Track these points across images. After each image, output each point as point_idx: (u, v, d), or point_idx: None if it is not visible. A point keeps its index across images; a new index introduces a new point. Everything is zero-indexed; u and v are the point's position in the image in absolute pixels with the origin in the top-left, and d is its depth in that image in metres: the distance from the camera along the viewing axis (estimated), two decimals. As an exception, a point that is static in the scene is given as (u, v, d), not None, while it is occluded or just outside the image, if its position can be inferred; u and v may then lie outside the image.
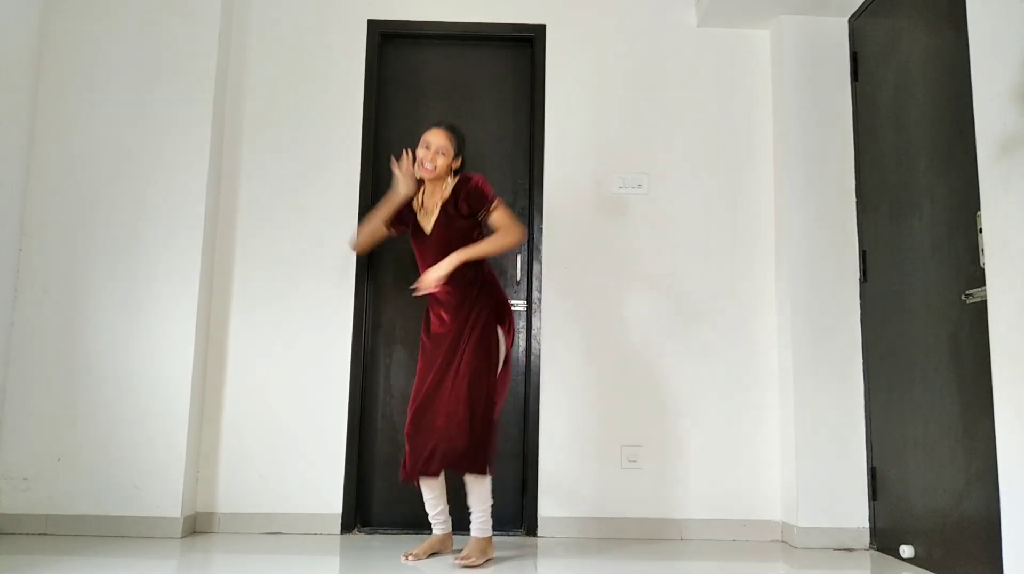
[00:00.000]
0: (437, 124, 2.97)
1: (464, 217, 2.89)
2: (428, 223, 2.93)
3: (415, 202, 3.00)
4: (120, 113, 3.42)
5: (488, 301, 2.88)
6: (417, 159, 2.91)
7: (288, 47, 3.64)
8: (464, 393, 2.75)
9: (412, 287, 2.89)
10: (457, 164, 2.96)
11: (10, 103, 3.28)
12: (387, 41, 3.73)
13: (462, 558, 2.76)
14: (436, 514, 2.96)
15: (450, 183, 2.94)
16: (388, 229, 3.04)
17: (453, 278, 2.82)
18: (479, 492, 2.81)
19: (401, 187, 2.95)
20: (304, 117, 3.59)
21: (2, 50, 3.23)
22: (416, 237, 2.97)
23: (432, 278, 2.80)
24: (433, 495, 2.92)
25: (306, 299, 3.47)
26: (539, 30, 3.68)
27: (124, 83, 3.44)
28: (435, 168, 2.88)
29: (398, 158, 2.98)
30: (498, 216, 2.89)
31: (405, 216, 3.01)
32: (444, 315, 2.88)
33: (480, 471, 2.76)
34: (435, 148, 2.88)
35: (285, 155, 3.57)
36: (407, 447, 2.83)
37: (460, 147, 2.96)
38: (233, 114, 3.58)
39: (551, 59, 3.66)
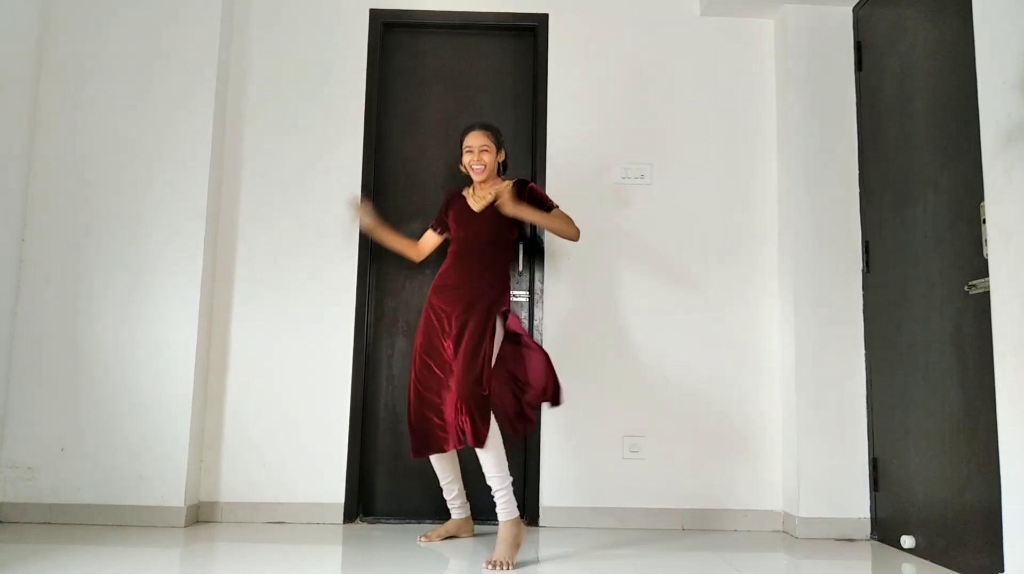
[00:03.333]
0: (470, 127, 3.08)
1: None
2: (479, 205, 3.04)
3: (466, 191, 3.12)
4: (122, 103, 3.42)
5: (496, 305, 2.95)
6: (464, 164, 3.05)
7: (290, 37, 3.63)
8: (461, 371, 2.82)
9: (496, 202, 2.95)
10: (502, 158, 3.10)
11: (12, 95, 3.28)
12: (389, 30, 3.71)
13: (492, 563, 2.59)
14: (452, 498, 3.06)
15: (506, 182, 3.06)
16: (440, 236, 3.22)
17: (491, 264, 2.97)
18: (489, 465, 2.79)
19: (361, 222, 3.19)
20: (306, 107, 3.59)
21: (3, 42, 3.22)
22: (461, 219, 3.05)
23: (511, 204, 2.88)
24: (448, 479, 3.03)
25: (308, 289, 3.47)
26: (542, 19, 3.67)
27: (125, 73, 3.44)
28: (484, 167, 3.01)
29: (356, 202, 3.23)
30: (560, 212, 3.04)
31: (451, 209, 3.11)
32: (454, 303, 2.93)
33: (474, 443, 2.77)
34: (478, 148, 3.01)
35: (287, 145, 3.56)
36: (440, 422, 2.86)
37: (500, 141, 3.08)
38: (235, 105, 3.58)
39: (554, 48, 3.65)
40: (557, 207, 3.05)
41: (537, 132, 3.60)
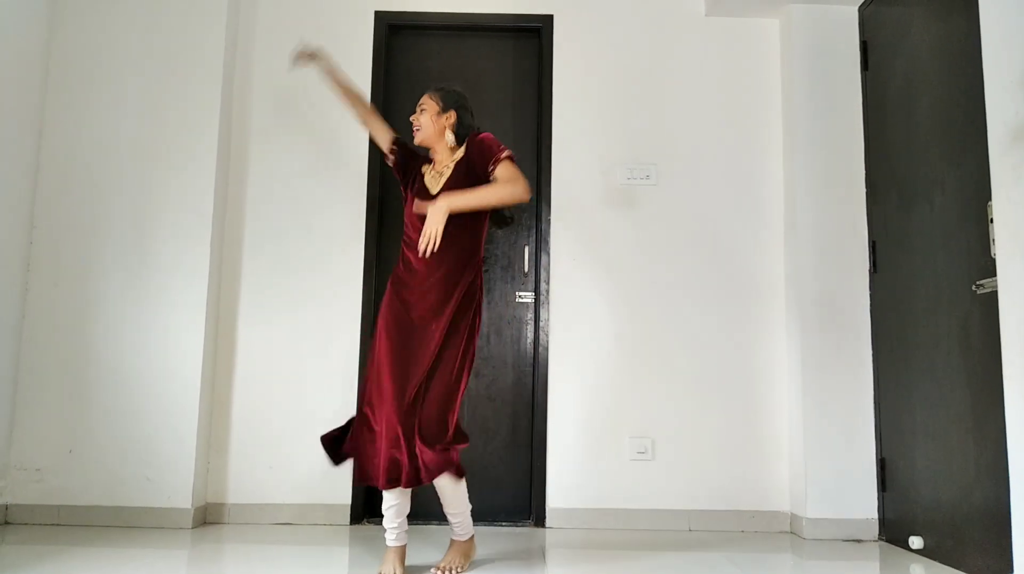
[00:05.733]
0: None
1: (476, 177, 2.57)
2: (437, 185, 2.62)
3: (426, 166, 2.74)
4: (128, 105, 3.43)
5: (473, 299, 2.57)
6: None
7: (295, 39, 3.64)
8: (450, 396, 2.48)
9: (421, 252, 2.48)
10: (451, 119, 2.66)
11: (19, 98, 3.29)
12: (394, 33, 3.72)
13: (442, 569, 2.53)
14: (402, 522, 2.53)
15: (460, 148, 2.67)
16: (388, 148, 2.82)
17: (452, 253, 2.52)
18: (461, 495, 2.57)
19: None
20: (311, 109, 3.59)
21: (11, 46, 3.24)
22: (418, 199, 2.61)
23: (430, 231, 2.44)
24: (401, 500, 2.52)
25: (315, 290, 3.48)
26: (546, 20, 3.67)
27: (132, 77, 3.45)
28: (420, 127, 2.67)
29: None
30: (504, 168, 2.53)
31: (410, 167, 2.76)
32: (426, 297, 2.53)
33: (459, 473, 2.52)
34: (418, 108, 2.70)
35: (293, 147, 3.57)
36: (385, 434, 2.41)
37: (448, 101, 2.67)
38: (241, 107, 3.59)
39: (558, 49, 3.65)
40: (504, 159, 2.54)
41: (542, 133, 3.60)
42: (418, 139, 2.72)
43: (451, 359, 2.49)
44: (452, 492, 2.54)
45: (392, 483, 2.40)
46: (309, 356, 3.44)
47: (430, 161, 2.76)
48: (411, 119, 2.74)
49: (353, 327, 3.45)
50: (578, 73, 3.64)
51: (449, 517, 2.62)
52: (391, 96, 3.68)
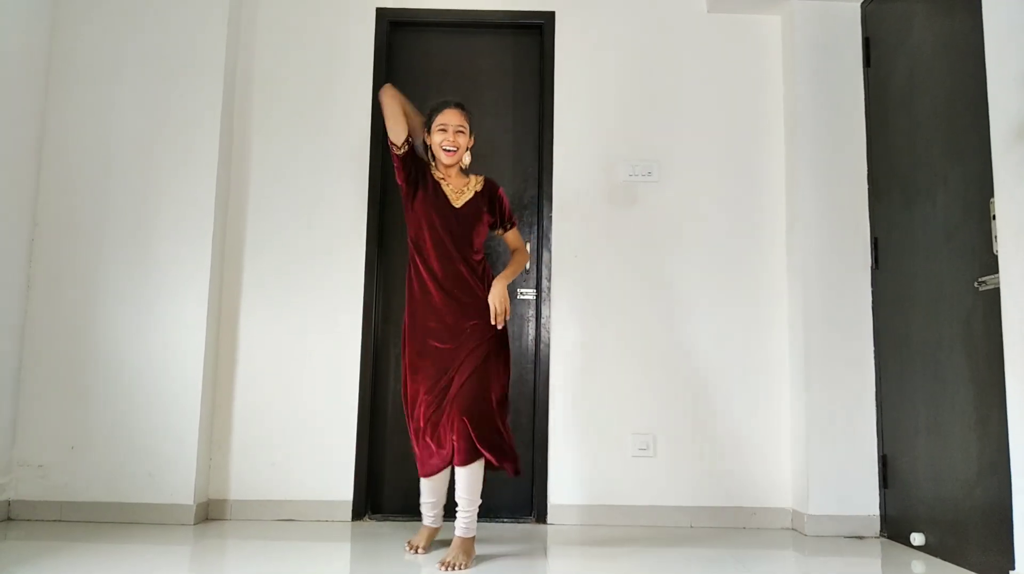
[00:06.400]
0: (445, 103, 2.85)
1: (486, 213, 2.88)
2: (459, 199, 2.84)
3: (435, 171, 2.89)
4: (130, 103, 3.43)
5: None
6: (434, 143, 2.83)
7: (297, 36, 3.64)
8: (496, 388, 2.77)
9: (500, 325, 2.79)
10: (471, 144, 2.90)
11: (21, 97, 3.29)
12: (396, 29, 3.72)
13: (447, 564, 2.59)
14: (437, 513, 2.88)
15: (474, 177, 2.92)
16: (402, 141, 2.82)
17: (468, 278, 2.81)
18: (477, 489, 2.73)
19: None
20: (313, 106, 3.59)
21: (13, 45, 3.24)
22: (434, 207, 2.81)
23: (502, 309, 2.75)
24: (441, 492, 2.87)
25: (316, 287, 3.48)
26: (548, 17, 3.66)
27: (133, 75, 3.45)
28: (458, 148, 2.82)
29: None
30: (516, 236, 3.00)
31: (417, 166, 2.88)
32: (450, 316, 2.78)
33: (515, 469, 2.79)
34: (454, 128, 2.81)
35: (294, 144, 3.57)
36: (432, 438, 2.74)
37: (473, 129, 2.91)
38: (242, 104, 3.59)
39: (560, 46, 3.65)
40: (515, 226, 3.01)
41: (544, 130, 3.59)
42: (452, 160, 2.83)
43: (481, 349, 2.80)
44: (475, 478, 2.70)
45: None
46: (311, 353, 3.44)
47: (429, 165, 2.92)
48: (441, 140, 2.81)
49: (355, 323, 3.46)
50: (580, 70, 3.64)
51: (460, 505, 2.69)
52: (393, 93, 3.68)
